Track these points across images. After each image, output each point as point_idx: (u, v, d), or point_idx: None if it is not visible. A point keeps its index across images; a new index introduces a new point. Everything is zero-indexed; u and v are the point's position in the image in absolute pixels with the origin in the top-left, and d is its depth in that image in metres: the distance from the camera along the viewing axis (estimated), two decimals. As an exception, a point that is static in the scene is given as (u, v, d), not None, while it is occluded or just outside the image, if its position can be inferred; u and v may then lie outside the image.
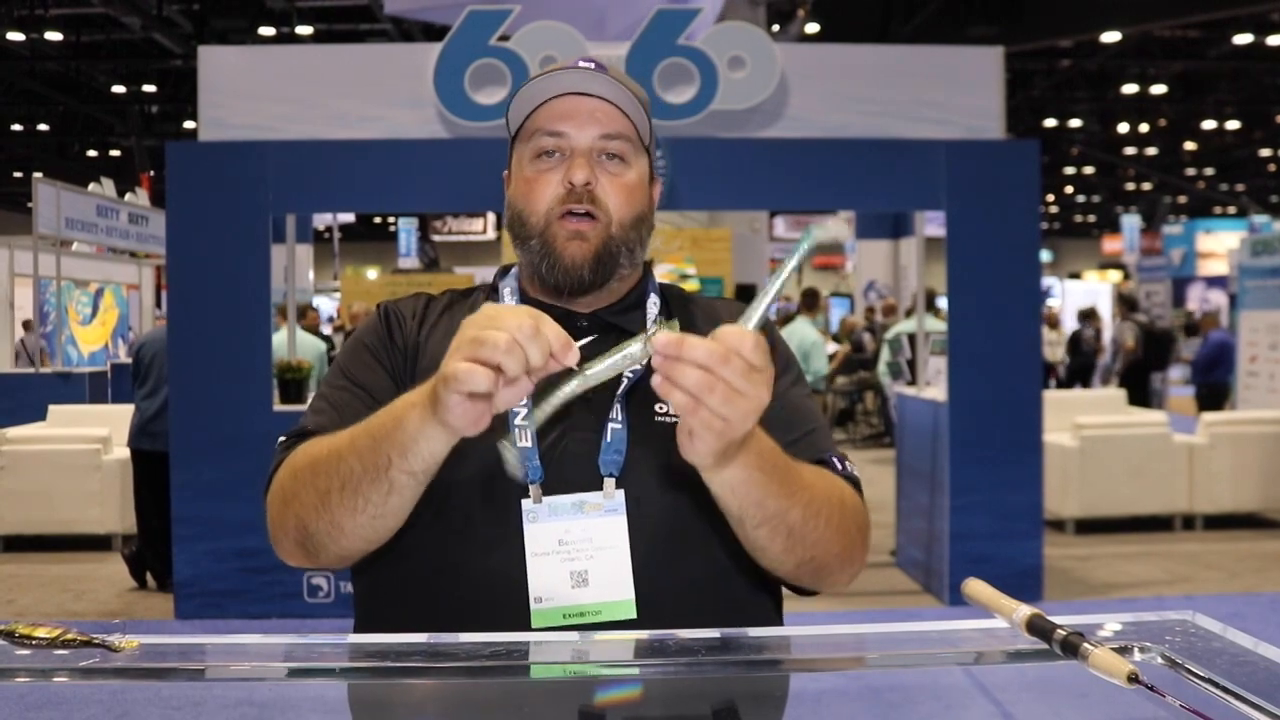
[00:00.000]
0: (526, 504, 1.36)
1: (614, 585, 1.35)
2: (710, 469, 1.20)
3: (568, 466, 1.38)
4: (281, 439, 1.47)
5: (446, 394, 1.13)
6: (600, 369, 1.11)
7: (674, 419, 1.29)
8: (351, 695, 1.30)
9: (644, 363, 1.11)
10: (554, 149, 1.46)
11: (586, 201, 1.44)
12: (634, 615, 1.34)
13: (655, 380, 1.10)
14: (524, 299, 1.52)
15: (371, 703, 1.31)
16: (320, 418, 1.46)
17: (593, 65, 1.47)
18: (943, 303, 8.43)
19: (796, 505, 1.30)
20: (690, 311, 1.58)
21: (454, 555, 1.37)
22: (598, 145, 1.46)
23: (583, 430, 1.40)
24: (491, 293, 1.58)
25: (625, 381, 1.41)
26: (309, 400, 1.64)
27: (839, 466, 1.46)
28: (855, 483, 1.48)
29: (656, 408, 1.42)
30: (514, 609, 1.33)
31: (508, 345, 1.09)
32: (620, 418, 1.39)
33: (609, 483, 1.36)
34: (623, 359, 1.11)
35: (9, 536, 7.94)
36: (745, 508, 1.27)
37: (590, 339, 1.46)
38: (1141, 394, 12.82)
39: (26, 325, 14.17)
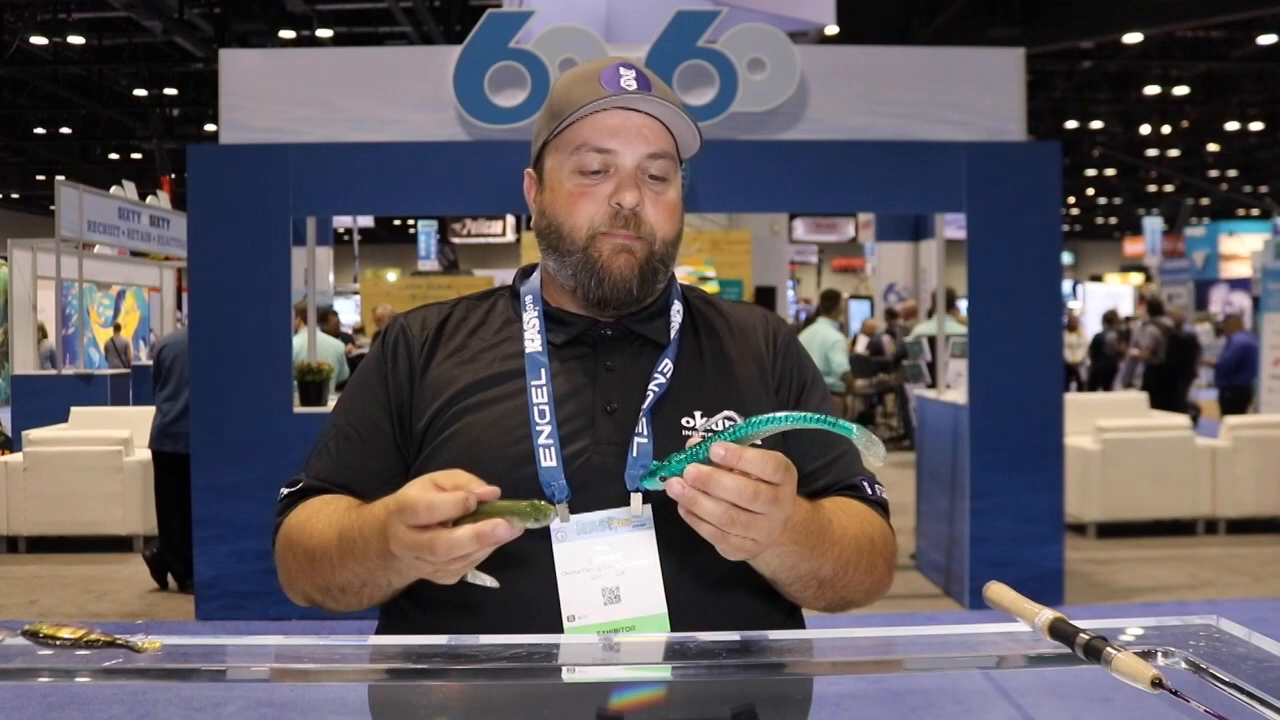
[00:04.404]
0: (555, 523, 1.35)
1: (646, 600, 1.35)
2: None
3: (594, 483, 1.37)
4: (283, 491, 1.49)
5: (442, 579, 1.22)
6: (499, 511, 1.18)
7: (701, 432, 1.31)
8: (372, 697, 1.30)
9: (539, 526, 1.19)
10: (599, 166, 1.44)
11: (632, 226, 1.43)
12: (667, 629, 1.34)
13: (681, 510, 1.16)
14: (546, 307, 1.51)
15: (392, 704, 1.31)
16: (320, 463, 1.49)
17: (634, 73, 1.45)
18: (962, 304, 8.41)
19: (828, 562, 1.33)
20: (715, 316, 1.57)
21: None
22: (643, 165, 1.45)
23: (608, 445, 1.39)
24: (513, 298, 1.56)
25: (651, 395, 1.41)
26: (330, 403, 1.65)
27: (868, 491, 1.47)
28: (883, 506, 1.49)
29: (683, 420, 1.41)
30: (547, 628, 1.33)
31: (456, 547, 1.15)
32: (646, 432, 1.38)
33: (636, 498, 1.35)
34: (519, 520, 1.17)
35: (31, 537, 7.99)
36: (778, 574, 1.33)
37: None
38: (1164, 399, 12.72)
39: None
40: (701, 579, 1.37)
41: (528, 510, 1.16)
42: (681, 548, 1.35)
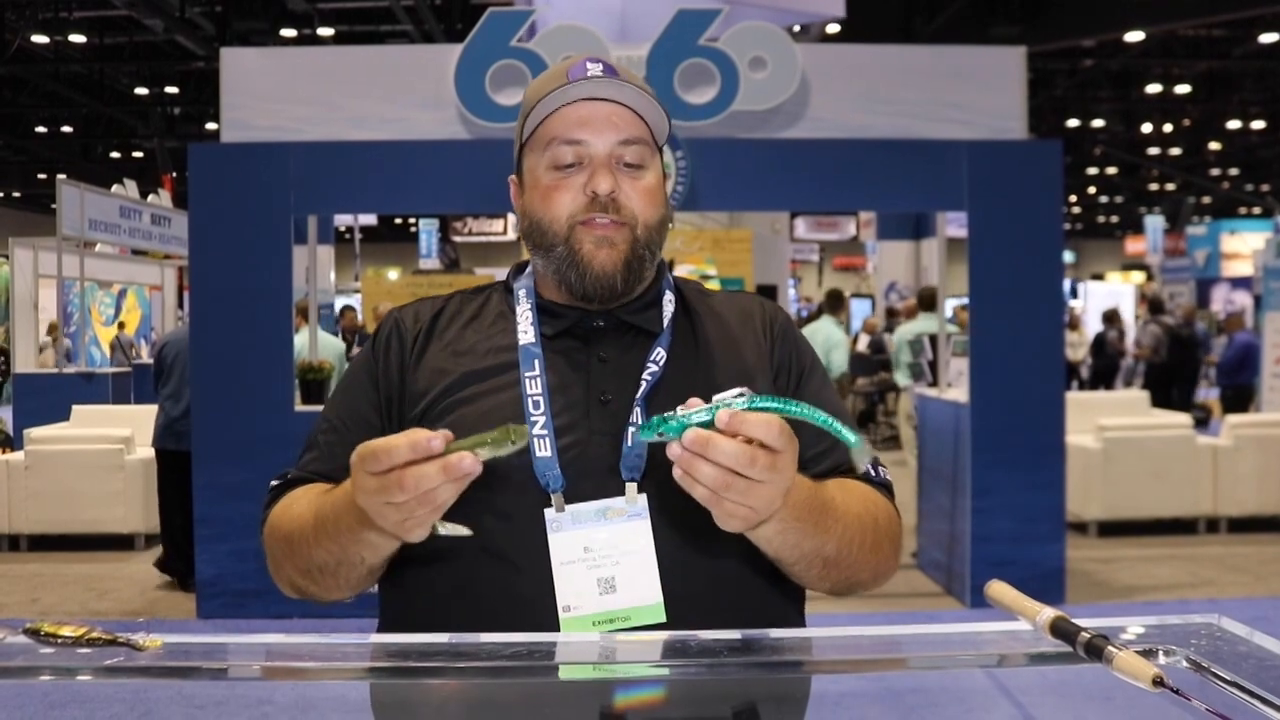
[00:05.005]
0: (549, 513, 1.35)
1: (642, 590, 1.34)
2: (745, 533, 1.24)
3: (589, 473, 1.37)
4: (274, 483, 1.51)
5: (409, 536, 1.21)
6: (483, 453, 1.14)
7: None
8: (374, 695, 1.30)
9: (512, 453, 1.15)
10: (573, 159, 1.44)
11: (611, 211, 1.42)
12: (663, 619, 1.33)
13: (676, 472, 1.14)
14: (539, 300, 1.51)
15: (394, 703, 1.31)
16: (309, 456, 1.51)
17: (600, 65, 1.45)
18: (950, 302, 8.40)
19: (831, 540, 1.32)
20: (709, 305, 1.56)
21: (479, 568, 1.36)
22: (616, 152, 1.44)
23: (602, 435, 1.39)
24: (506, 292, 1.56)
25: (644, 385, 1.40)
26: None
27: (872, 473, 1.46)
28: (887, 488, 1.48)
29: (678, 409, 1.40)
30: (543, 618, 1.33)
31: (424, 480, 1.13)
32: (640, 421, 1.38)
33: (631, 487, 1.35)
34: (490, 449, 1.14)
35: (33, 535, 7.99)
36: (780, 552, 1.30)
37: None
38: (1166, 398, 12.70)
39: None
40: (697, 567, 1.36)
41: (498, 436, 1.13)
42: (677, 537, 1.35)
